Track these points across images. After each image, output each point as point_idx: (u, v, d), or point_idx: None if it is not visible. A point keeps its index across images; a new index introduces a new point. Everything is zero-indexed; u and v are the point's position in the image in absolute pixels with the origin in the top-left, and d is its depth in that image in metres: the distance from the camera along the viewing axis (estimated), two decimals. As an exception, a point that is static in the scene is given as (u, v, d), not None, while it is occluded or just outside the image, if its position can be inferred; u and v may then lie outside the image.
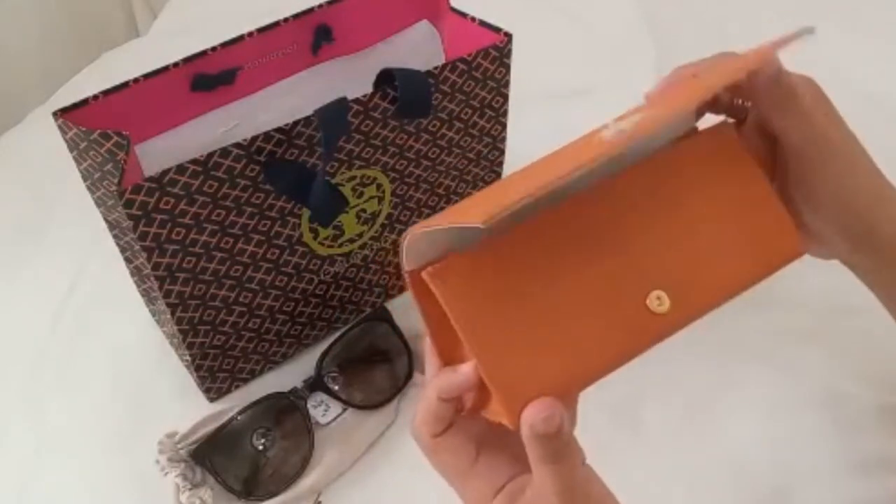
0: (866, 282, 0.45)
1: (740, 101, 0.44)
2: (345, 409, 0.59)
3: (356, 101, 0.53)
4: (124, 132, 0.48)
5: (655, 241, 0.36)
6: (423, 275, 0.33)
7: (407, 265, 0.35)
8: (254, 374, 0.64)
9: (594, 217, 0.35)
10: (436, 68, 0.56)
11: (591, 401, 0.38)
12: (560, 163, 0.33)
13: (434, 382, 0.37)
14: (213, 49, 0.57)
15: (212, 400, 0.63)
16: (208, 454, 0.54)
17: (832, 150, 0.41)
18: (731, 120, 0.43)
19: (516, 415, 0.33)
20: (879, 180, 0.43)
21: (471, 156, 0.64)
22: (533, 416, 0.33)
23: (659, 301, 0.35)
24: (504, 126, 0.65)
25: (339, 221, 0.59)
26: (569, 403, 0.37)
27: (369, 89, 0.54)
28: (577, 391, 0.36)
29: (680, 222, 0.37)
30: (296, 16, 0.60)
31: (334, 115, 0.51)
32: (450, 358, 0.37)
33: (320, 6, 0.61)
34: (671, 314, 0.35)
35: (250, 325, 0.60)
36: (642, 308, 0.35)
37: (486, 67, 0.58)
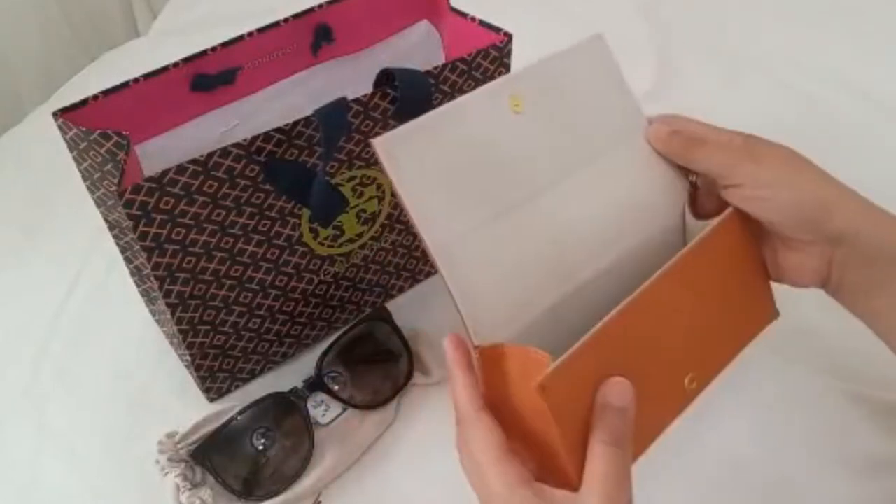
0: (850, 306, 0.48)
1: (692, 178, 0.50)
2: (345, 409, 0.59)
3: (356, 101, 0.53)
4: (124, 132, 0.48)
5: (688, 334, 0.45)
6: (535, 388, 0.38)
7: (476, 340, 0.40)
8: (254, 374, 0.64)
9: (649, 325, 0.43)
10: (436, 68, 0.56)
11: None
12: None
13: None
14: (213, 49, 0.57)
15: (212, 400, 0.63)
16: (208, 454, 0.54)
17: (760, 161, 0.45)
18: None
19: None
20: (819, 184, 0.45)
21: (471, 156, 0.64)
22: (608, 389, 0.39)
23: (690, 381, 0.44)
24: (504, 126, 0.65)
25: (339, 221, 0.59)
26: None
27: (369, 89, 0.54)
28: (636, 458, 0.42)
29: (703, 314, 0.46)
30: (296, 16, 0.60)
31: (334, 115, 0.51)
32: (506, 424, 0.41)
33: (320, 6, 0.61)
34: (696, 388, 0.45)
35: (250, 325, 0.60)
36: (681, 389, 0.44)
37: (486, 67, 0.58)
